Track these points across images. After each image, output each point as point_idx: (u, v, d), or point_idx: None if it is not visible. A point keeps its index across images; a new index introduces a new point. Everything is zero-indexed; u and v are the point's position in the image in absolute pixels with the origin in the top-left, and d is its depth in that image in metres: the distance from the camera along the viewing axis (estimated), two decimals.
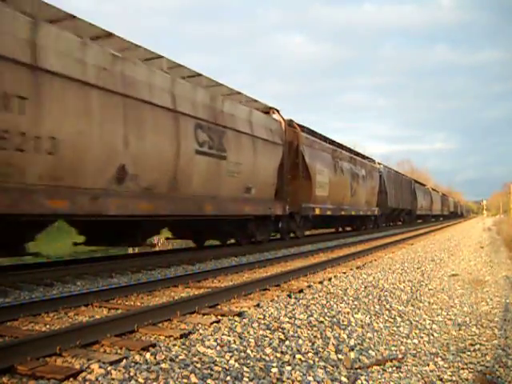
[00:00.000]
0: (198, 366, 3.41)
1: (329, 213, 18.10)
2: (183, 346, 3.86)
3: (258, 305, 5.53)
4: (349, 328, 4.77)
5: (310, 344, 4.14)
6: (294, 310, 5.30)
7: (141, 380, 3.12)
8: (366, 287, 7.00)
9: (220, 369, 3.38)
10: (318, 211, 16.78)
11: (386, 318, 5.39)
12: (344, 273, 8.49)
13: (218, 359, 3.58)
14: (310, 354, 3.88)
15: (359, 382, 3.42)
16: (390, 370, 3.74)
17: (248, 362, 3.59)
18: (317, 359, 3.79)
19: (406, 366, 3.87)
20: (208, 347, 3.83)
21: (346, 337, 4.46)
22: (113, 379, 3.12)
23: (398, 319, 5.37)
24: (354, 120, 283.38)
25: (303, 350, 3.99)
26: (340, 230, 25.37)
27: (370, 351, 4.17)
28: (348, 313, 5.38)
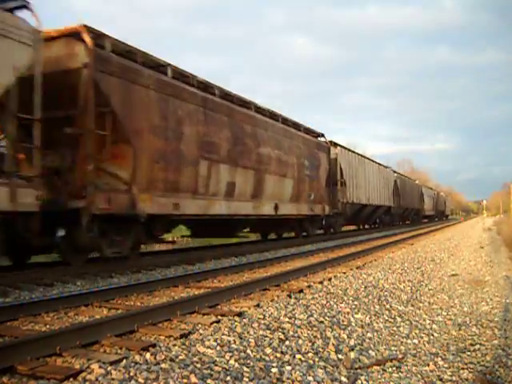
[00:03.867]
0: (198, 366, 3.40)
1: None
2: (183, 346, 3.86)
3: (258, 305, 5.53)
4: (349, 328, 4.77)
5: (310, 344, 4.14)
6: (294, 310, 5.30)
7: (141, 380, 3.12)
8: (366, 287, 7.00)
9: (220, 369, 3.38)
10: None
11: (386, 318, 5.39)
12: (344, 273, 8.49)
13: (217, 359, 3.57)
14: (310, 354, 3.87)
15: (359, 382, 3.42)
16: (390, 370, 3.74)
17: (248, 362, 3.59)
18: (317, 359, 3.79)
19: (406, 366, 3.86)
20: (208, 347, 3.82)
21: (345, 337, 4.46)
22: (113, 379, 3.11)
23: (398, 319, 5.37)
24: (356, 120, 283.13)
25: (303, 350, 3.98)
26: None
27: (370, 351, 4.17)
28: (348, 313, 5.38)
